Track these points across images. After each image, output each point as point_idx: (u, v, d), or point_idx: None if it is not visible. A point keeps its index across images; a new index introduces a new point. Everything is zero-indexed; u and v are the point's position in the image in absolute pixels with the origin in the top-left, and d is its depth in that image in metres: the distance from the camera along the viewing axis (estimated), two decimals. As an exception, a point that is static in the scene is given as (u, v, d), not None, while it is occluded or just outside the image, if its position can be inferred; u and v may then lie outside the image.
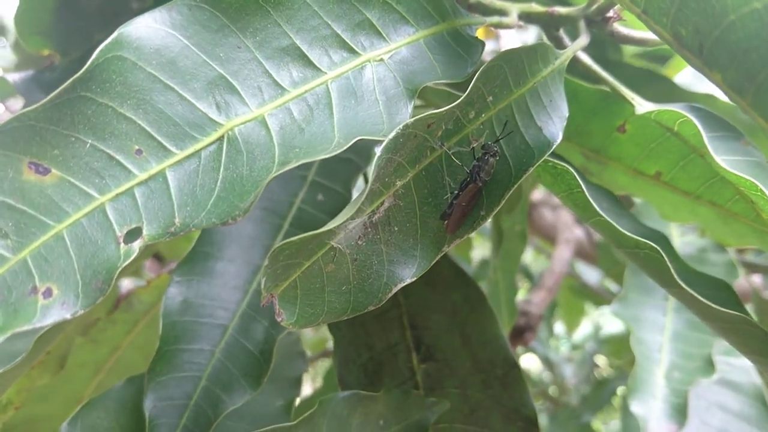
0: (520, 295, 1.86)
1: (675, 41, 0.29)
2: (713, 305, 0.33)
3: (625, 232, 0.36)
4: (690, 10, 0.27)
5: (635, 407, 0.60)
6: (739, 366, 0.71)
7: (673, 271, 0.34)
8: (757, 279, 1.16)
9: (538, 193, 1.35)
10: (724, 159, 0.37)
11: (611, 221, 0.36)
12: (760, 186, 0.31)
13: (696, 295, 0.33)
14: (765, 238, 0.45)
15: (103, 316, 0.74)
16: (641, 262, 0.38)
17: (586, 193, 0.37)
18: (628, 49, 0.81)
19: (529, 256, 1.98)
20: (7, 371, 0.45)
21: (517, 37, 1.07)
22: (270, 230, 0.56)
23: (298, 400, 0.89)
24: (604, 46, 0.76)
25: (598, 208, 0.37)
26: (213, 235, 0.54)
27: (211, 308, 0.51)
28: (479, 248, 1.80)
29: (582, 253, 1.37)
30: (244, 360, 0.49)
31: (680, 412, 0.59)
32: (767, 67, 0.25)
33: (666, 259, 0.34)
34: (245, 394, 0.48)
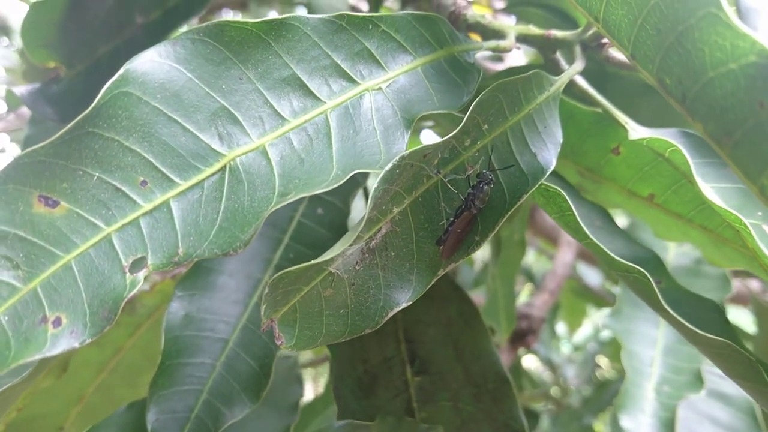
0: (523, 297, 1.87)
1: (661, 87, 0.30)
2: (699, 331, 0.34)
3: (615, 257, 0.37)
4: (673, 61, 0.28)
5: (624, 422, 0.61)
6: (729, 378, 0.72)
7: (660, 296, 0.35)
8: (755, 283, 1.16)
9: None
10: (713, 186, 0.38)
11: (601, 245, 0.37)
12: (743, 219, 0.32)
13: (682, 320, 0.34)
14: (754, 263, 0.45)
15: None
16: (631, 284, 0.39)
17: (577, 217, 0.38)
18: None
19: (530, 258, 1.98)
20: (16, 384, 0.46)
21: (518, 52, 1.07)
22: (270, 244, 0.57)
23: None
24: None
25: (588, 232, 0.38)
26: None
27: (213, 322, 0.52)
28: (481, 250, 1.80)
29: (584, 254, 1.38)
30: (244, 373, 0.51)
31: (668, 427, 0.60)
32: (743, 126, 0.26)
33: (654, 285, 0.35)
34: (245, 408, 0.49)
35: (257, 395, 0.50)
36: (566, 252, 1.32)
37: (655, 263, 0.48)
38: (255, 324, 0.53)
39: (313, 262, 0.32)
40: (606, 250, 0.39)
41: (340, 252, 0.34)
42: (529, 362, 2.24)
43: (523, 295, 1.97)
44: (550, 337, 1.93)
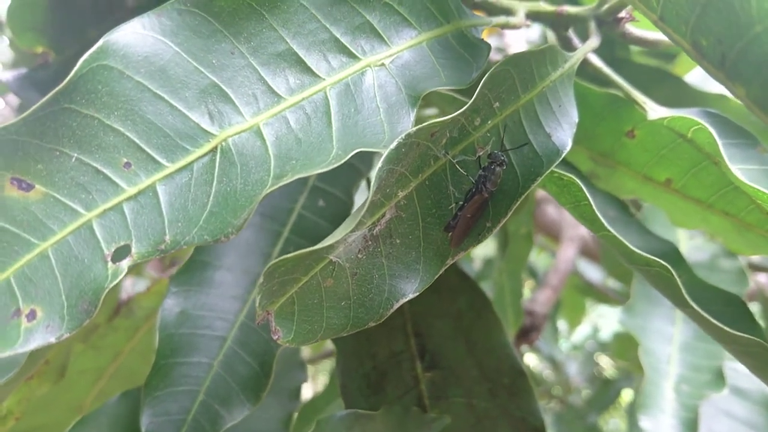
0: (524, 294, 1.85)
1: (694, 51, 0.27)
2: (726, 328, 0.31)
3: (635, 250, 0.34)
4: (712, 19, 0.25)
5: (644, 423, 0.58)
6: (746, 373, 0.69)
7: (684, 291, 0.33)
8: (762, 278, 1.14)
9: (542, 191, 1.33)
10: (740, 168, 0.36)
11: (620, 237, 0.35)
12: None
13: (708, 317, 0.32)
14: (782, 249, 0.43)
15: (103, 322, 0.73)
16: (651, 279, 0.36)
17: (594, 207, 0.35)
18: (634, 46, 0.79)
19: (532, 254, 1.96)
20: (2, 384, 0.44)
21: (521, 35, 1.05)
22: (269, 237, 0.54)
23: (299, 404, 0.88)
24: (612, 43, 0.74)
25: (605, 223, 0.35)
26: (211, 243, 0.52)
27: (210, 319, 0.50)
28: (481, 246, 1.78)
29: (586, 251, 1.35)
30: (243, 373, 0.48)
31: (690, 428, 0.57)
32: None
33: (677, 278, 0.32)
34: (244, 410, 0.46)
35: (257, 396, 0.48)
36: (568, 248, 1.29)
37: (675, 256, 0.45)
38: (254, 321, 0.50)
39: (311, 248, 0.30)
40: (625, 242, 0.36)
41: (341, 239, 0.32)
42: (530, 360, 2.22)
43: (525, 291, 1.95)
44: (552, 334, 1.90)
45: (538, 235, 1.54)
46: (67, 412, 0.70)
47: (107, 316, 0.73)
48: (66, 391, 0.70)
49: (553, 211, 1.39)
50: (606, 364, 2.07)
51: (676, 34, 0.28)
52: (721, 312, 0.40)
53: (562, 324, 2.07)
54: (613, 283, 1.53)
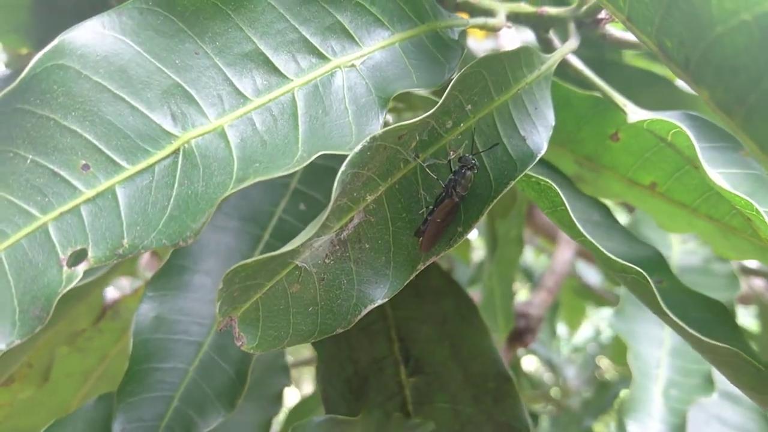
0: (521, 296, 1.84)
1: (661, 52, 0.26)
2: (703, 337, 0.31)
3: (611, 256, 0.34)
4: (674, 19, 0.24)
5: (632, 427, 0.58)
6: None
7: (660, 299, 0.32)
8: (759, 282, 1.13)
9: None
10: (721, 172, 0.35)
11: (596, 243, 0.34)
12: (755, 205, 0.28)
13: (684, 325, 0.31)
14: (765, 254, 0.42)
15: (89, 325, 0.72)
16: (629, 285, 0.36)
17: (570, 212, 0.34)
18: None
19: (529, 256, 1.95)
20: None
21: (516, 37, 1.04)
22: (249, 241, 0.53)
23: (287, 409, 0.88)
24: (602, 46, 0.73)
25: (582, 228, 0.34)
26: (189, 247, 0.52)
27: (186, 324, 0.49)
28: (480, 249, 1.77)
29: (584, 253, 1.35)
30: (218, 379, 0.47)
31: (679, 433, 0.57)
32: (758, 88, 0.22)
33: (653, 286, 0.32)
34: (219, 416, 0.46)
35: (232, 403, 0.47)
36: (565, 250, 1.29)
37: (657, 261, 0.44)
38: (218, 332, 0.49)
39: (272, 254, 0.29)
40: (601, 248, 0.35)
41: (306, 243, 0.31)
42: (530, 363, 2.21)
43: (522, 294, 1.94)
44: (550, 337, 1.89)
45: (536, 237, 1.53)
46: (53, 416, 0.68)
47: (93, 319, 0.73)
48: (51, 395, 0.70)
49: (549, 213, 1.38)
50: (606, 367, 2.06)
51: (643, 35, 0.27)
52: (703, 319, 0.39)
53: (562, 326, 2.06)
54: (612, 286, 1.52)
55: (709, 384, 0.61)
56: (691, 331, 0.31)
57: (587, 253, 1.35)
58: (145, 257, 1.06)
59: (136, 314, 0.48)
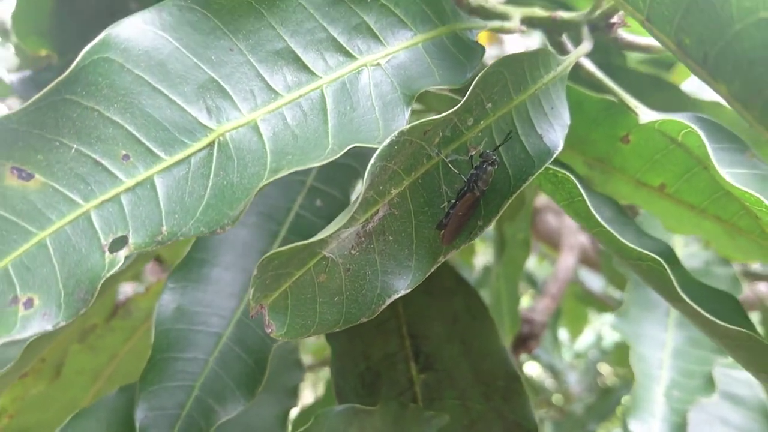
0: (524, 302, 1.85)
1: (679, 50, 0.28)
2: (718, 321, 0.32)
3: (628, 244, 0.35)
4: (694, 18, 0.26)
5: (634, 426, 0.59)
6: (741, 379, 0.69)
7: (676, 284, 0.33)
8: (762, 288, 1.14)
9: (542, 199, 1.34)
10: (729, 172, 0.36)
11: (613, 232, 0.35)
12: (765, 201, 0.30)
13: (700, 309, 0.32)
14: (772, 254, 0.43)
15: (100, 323, 0.73)
16: (644, 274, 0.37)
17: (588, 203, 0.36)
18: (633, 54, 0.80)
19: (532, 262, 1.96)
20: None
21: (521, 43, 1.06)
22: (266, 237, 0.55)
23: (298, 410, 0.88)
24: (609, 51, 0.74)
25: (599, 218, 0.35)
26: (208, 241, 0.53)
27: (206, 316, 0.50)
28: (482, 254, 1.78)
29: (586, 259, 1.36)
30: (238, 369, 0.48)
31: (680, 432, 0.58)
32: None
33: (669, 272, 0.33)
34: (238, 405, 0.47)
35: (252, 392, 0.48)
36: (568, 256, 1.29)
37: (668, 255, 0.45)
38: (250, 318, 0.50)
39: (303, 242, 0.30)
40: (618, 236, 0.36)
41: (334, 234, 0.32)
42: (532, 369, 2.22)
43: (525, 300, 1.95)
44: (552, 343, 1.90)
45: (539, 244, 1.54)
46: (63, 412, 0.69)
47: (105, 317, 0.73)
48: (62, 391, 0.70)
49: (553, 219, 1.39)
50: (608, 373, 2.06)
51: (662, 34, 0.29)
52: (714, 310, 0.40)
53: (564, 333, 2.07)
54: (614, 292, 1.53)
55: (710, 385, 0.62)
56: (707, 315, 0.32)
57: (590, 259, 1.36)
58: (149, 265, 1.07)
59: (158, 304, 0.49)
